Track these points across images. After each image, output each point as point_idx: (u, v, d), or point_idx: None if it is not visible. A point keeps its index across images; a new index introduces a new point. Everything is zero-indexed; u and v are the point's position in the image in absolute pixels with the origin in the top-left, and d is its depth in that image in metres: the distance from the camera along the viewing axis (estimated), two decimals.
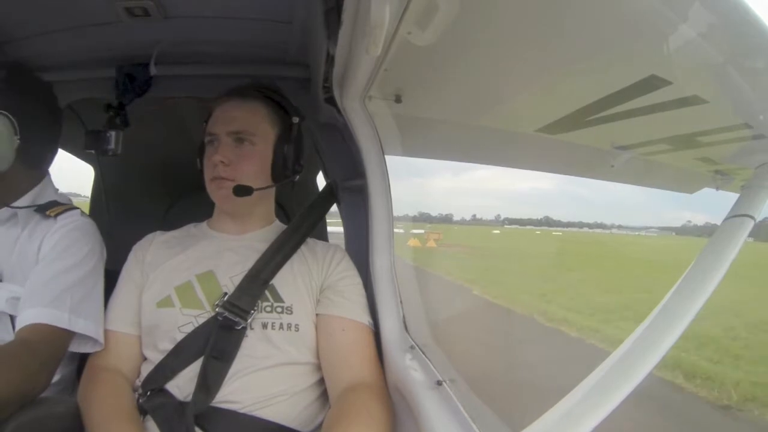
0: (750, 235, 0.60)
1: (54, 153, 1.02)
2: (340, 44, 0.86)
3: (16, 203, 0.94)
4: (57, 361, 0.84)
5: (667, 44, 0.62)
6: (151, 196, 1.85)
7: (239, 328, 0.87)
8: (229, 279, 0.93)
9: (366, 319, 0.93)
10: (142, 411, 0.85)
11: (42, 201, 0.96)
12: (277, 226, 1.06)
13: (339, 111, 1.10)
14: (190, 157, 1.04)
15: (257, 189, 0.95)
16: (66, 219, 0.94)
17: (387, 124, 1.12)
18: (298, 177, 1.04)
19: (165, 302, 0.92)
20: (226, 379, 0.84)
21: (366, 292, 0.99)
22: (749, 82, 0.58)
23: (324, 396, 0.91)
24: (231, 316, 0.87)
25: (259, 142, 0.97)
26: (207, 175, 0.98)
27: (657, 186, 1.85)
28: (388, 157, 1.08)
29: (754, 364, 4.20)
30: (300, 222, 1.03)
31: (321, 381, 0.91)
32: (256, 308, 0.89)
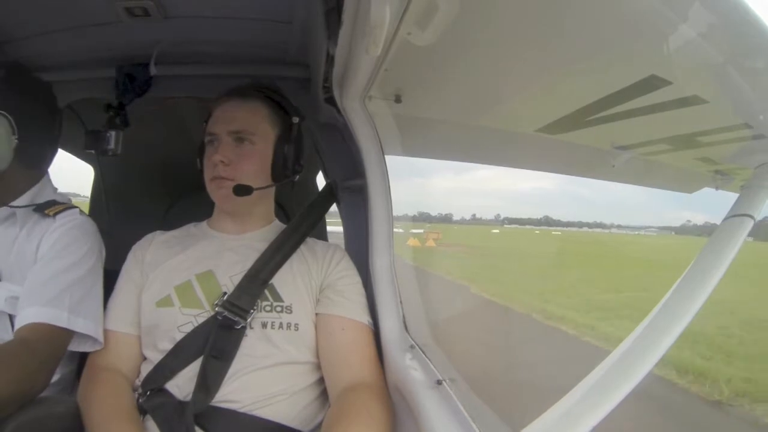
0: (749, 234, 0.60)
1: (53, 153, 1.02)
2: (340, 44, 0.86)
3: (15, 202, 0.94)
4: (56, 361, 0.84)
5: (667, 44, 0.62)
6: (151, 196, 1.85)
7: (239, 327, 0.87)
8: (229, 278, 0.93)
9: (365, 318, 0.94)
10: (142, 411, 0.85)
11: (41, 200, 0.96)
12: (277, 226, 1.06)
13: (339, 111, 1.10)
14: (190, 157, 1.04)
15: (257, 188, 0.95)
16: (65, 218, 0.94)
17: (387, 124, 1.12)
18: (297, 177, 1.04)
19: (164, 302, 0.92)
20: (226, 378, 0.84)
21: (366, 292, 0.99)
22: (749, 82, 0.58)
23: (323, 395, 0.91)
24: (230, 316, 0.87)
25: (259, 141, 0.97)
26: (207, 175, 0.98)
27: (657, 186, 1.86)
28: (388, 157, 1.08)
29: (747, 360, 4.25)
30: (299, 222, 1.03)
31: (320, 380, 0.91)
32: (255, 308, 0.89)
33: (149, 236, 1.04)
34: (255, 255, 0.95)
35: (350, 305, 0.93)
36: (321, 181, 1.70)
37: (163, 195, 1.86)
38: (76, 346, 0.88)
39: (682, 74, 0.72)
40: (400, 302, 0.97)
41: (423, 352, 0.86)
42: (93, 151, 1.35)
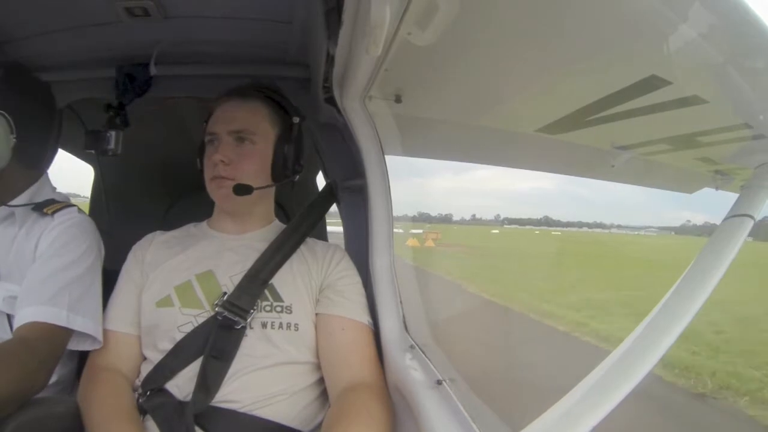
0: (749, 234, 0.60)
1: (53, 153, 1.02)
2: (340, 44, 0.86)
3: (13, 202, 0.93)
4: (56, 359, 0.83)
5: (667, 44, 0.62)
6: (151, 196, 1.85)
7: (239, 327, 0.87)
8: (229, 278, 0.93)
9: (365, 318, 0.94)
10: (142, 411, 0.85)
11: (39, 199, 0.96)
12: (277, 226, 1.06)
13: (339, 111, 1.10)
14: (190, 157, 1.04)
15: (257, 188, 0.95)
16: (63, 216, 0.94)
17: (387, 124, 1.12)
18: (297, 177, 1.04)
19: (164, 302, 0.92)
20: (226, 378, 0.84)
21: (366, 292, 0.99)
22: (749, 82, 0.58)
23: (323, 395, 0.91)
24: (230, 316, 0.87)
25: (260, 141, 0.97)
26: (207, 175, 0.98)
27: (657, 186, 1.86)
28: (388, 157, 1.08)
29: (733, 355, 4.36)
30: (299, 222, 1.03)
31: (320, 380, 0.91)
32: (255, 308, 0.89)
33: (149, 236, 1.04)
34: (255, 255, 0.95)
35: (350, 305, 0.93)
36: (321, 181, 1.70)
37: (163, 195, 1.86)
38: (75, 345, 0.88)
39: (682, 74, 0.72)
40: (400, 302, 0.97)
41: (423, 352, 0.86)
42: (93, 151, 1.35)
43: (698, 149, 1.05)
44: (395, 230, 1.06)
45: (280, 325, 0.89)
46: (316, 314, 0.93)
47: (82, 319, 0.86)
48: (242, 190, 0.94)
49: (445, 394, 0.72)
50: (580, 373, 0.58)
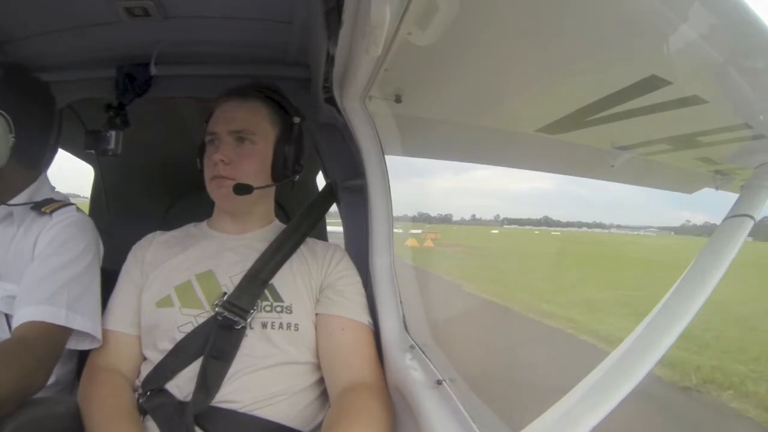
0: (749, 234, 0.60)
1: (53, 152, 1.02)
2: (340, 44, 0.86)
3: (12, 201, 0.93)
4: (55, 359, 0.83)
5: (667, 44, 0.62)
6: (151, 196, 1.85)
7: (239, 327, 0.87)
8: (229, 279, 0.93)
9: (365, 318, 0.94)
10: (142, 411, 0.85)
11: (38, 199, 0.96)
12: (277, 226, 1.06)
13: (339, 111, 1.10)
14: (190, 157, 1.04)
15: (257, 188, 0.95)
16: (62, 215, 0.94)
17: (387, 124, 1.12)
18: (298, 177, 1.04)
19: (164, 302, 0.92)
20: (226, 378, 0.84)
21: (366, 292, 0.99)
22: (749, 82, 0.58)
23: (324, 395, 0.91)
24: (230, 316, 0.87)
25: (260, 141, 0.97)
26: (207, 174, 0.98)
27: (657, 186, 1.86)
28: (388, 157, 1.08)
29: (720, 352, 4.43)
30: (299, 222, 1.03)
31: (321, 380, 0.91)
32: (255, 308, 0.89)
33: (149, 236, 1.04)
34: (255, 255, 0.95)
35: (350, 305, 0.93)
36: (321, 181, 1.70)
37: (163, 195, 1.86)
38: (74, 344, 0.88)
39: (682, 74, 0.72)
40: (400, 302, 0.97)
41: (423, 352, 0.86)
42: (93, 151, 1.35)
43: (698, 149, 1.05)
44: (395, 230, 1.06)
45: (280, 325, 0.89)
46: (316, 314, 0.93)
47: (80, 317, 0.86)
48: (242, 189, 0.94)
49: (445, 394, 0.72)
50: (580, 372, 0.58)
